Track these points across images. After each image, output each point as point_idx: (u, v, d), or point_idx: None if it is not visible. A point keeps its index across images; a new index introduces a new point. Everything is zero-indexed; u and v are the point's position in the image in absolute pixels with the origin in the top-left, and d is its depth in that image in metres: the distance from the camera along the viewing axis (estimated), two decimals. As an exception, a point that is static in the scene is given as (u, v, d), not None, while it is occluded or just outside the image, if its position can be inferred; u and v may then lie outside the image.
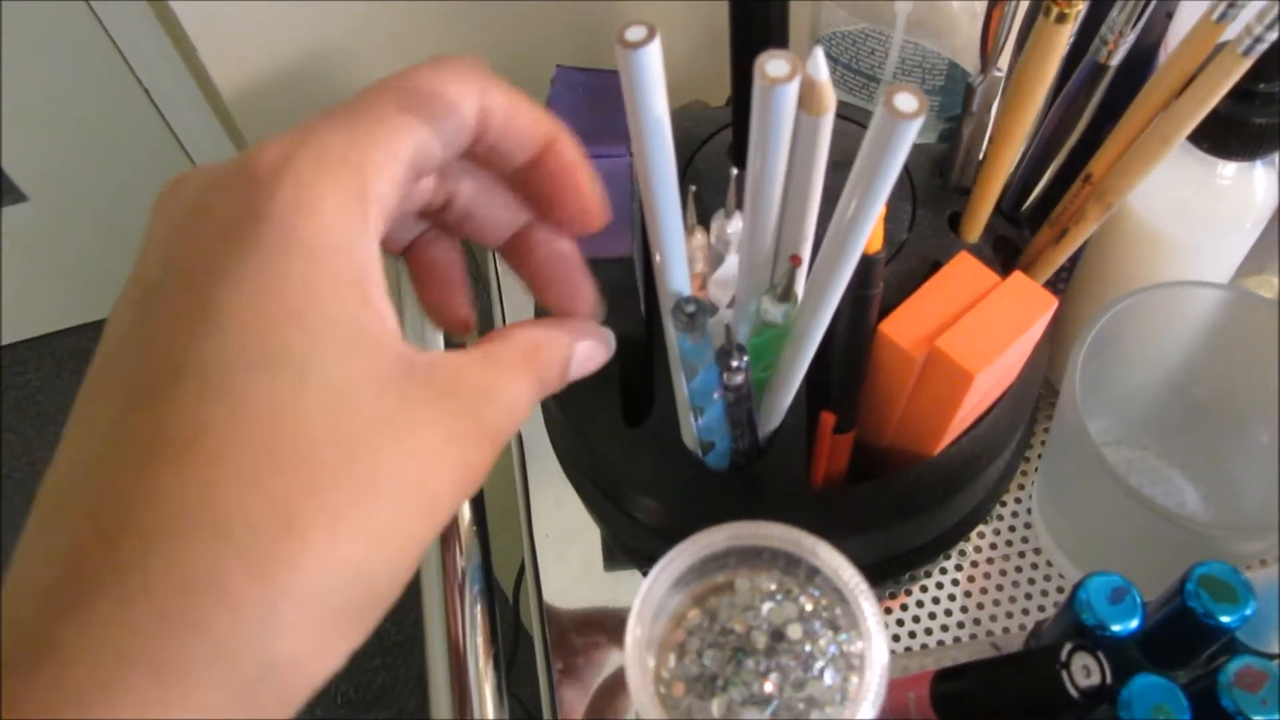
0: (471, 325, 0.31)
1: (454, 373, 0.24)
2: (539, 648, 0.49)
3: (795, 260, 0.30)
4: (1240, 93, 0.38)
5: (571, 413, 0.45)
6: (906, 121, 0.22)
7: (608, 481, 0.46)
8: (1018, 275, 0.38)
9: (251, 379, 0.20)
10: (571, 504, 0.50)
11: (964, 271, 0.38)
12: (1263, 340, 0.43)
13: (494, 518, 0.51)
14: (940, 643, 0.48)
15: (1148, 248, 0.44)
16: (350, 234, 0.22)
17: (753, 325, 0.34)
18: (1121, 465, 0.51)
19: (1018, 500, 0.51)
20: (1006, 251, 0.46)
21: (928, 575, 0.49)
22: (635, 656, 0.26)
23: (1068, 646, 0.34)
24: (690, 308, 0.30)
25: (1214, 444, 0.48)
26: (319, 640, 0.20)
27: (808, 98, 0.24)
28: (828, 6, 0.53)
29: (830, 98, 0.25)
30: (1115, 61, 0.39)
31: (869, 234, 0.28)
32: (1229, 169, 0.41)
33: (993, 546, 0.50)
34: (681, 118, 0.49)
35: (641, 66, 0.23)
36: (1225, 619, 0.34)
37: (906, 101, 0.22)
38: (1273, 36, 0.33)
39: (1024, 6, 0.41)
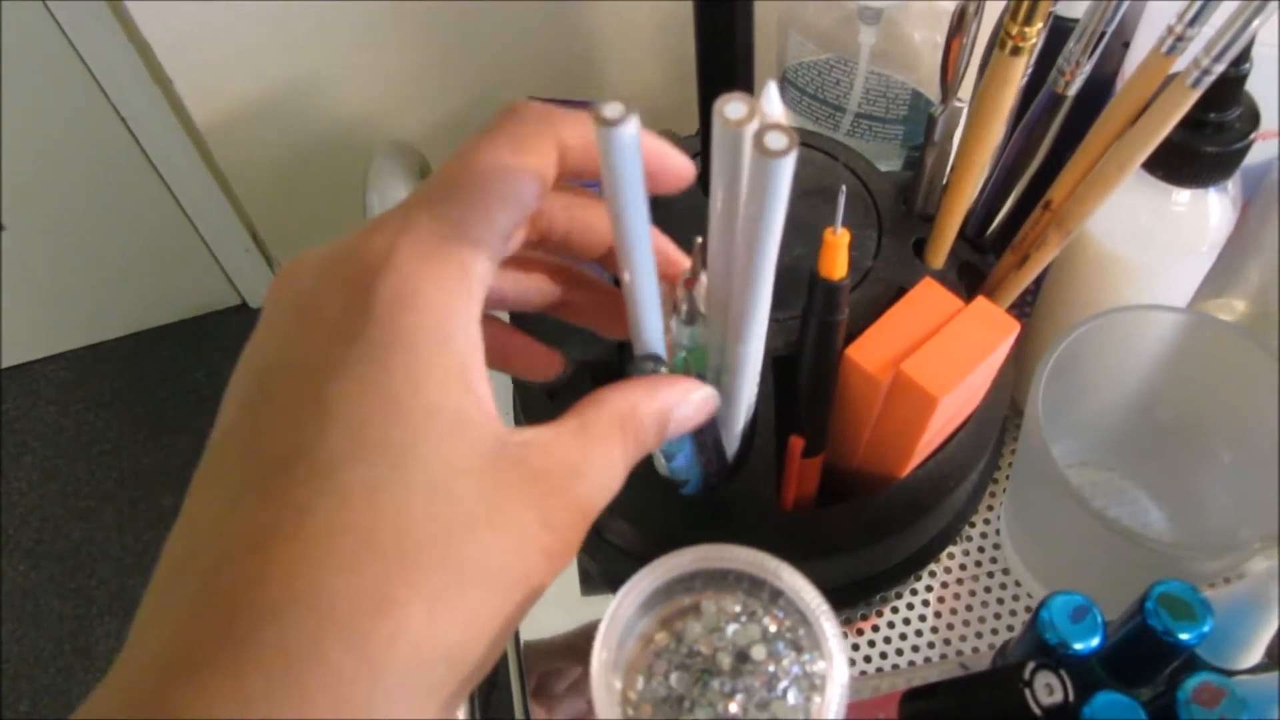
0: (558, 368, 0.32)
1: (546, 451, 0.25)
2: (514, 674, 0.49)
3: (689, 283, 0.30)
4: (1192, 122, 0.39)
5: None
6: (777, 159, 0.23)
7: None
8: (981, 300, 0.38)
9: (355, 470, 0.22)
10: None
11: (928, 297, 0.39)
12: (1222, 362, 0.44)
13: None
14: (911, 663, 0.48)
15: (1107, 273, 0.45)
16: (451, 324, 0.23)
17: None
18: (1087, 486, 0.51)
19: (986, 521, 0.51)
20: (971, 277, 0.47)
21: (898, 596, 0.49)
22: (601, 679, 0.26)
23: (1031, 665, 0.34)
24: (651, 365, 0.30)
25: (1178, 465, 0.49)
26: (411, 715, 0.21)
27: (763, 142, 0.25)
28: (794, 38, 0.54)
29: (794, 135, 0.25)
30: (1073, 91, 0.40)
31: (771, 271, 0.28)
32: (1183, 196, 0.42)
33: (962, 567, 0.50)
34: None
35: (620, 144, 0.23)
36: (1184, 636, 0.34)
37: (776, 140, 0.22)
38: (1219, 69, 0.34)
39: (983, 38, 0.42)
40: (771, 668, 0.28)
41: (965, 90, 0.43)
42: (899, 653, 0.48)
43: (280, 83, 0.57)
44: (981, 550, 0.51)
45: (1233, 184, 0.42)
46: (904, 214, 0.47)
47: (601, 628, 0.26)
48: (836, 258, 0.33)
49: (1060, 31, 0.42)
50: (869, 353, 0.38)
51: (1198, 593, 0.35)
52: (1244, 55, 0.37)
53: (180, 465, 1.58)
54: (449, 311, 0.23)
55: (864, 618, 0.49)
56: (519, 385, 0.49)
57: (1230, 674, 0.37)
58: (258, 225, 0.67)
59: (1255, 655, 0.37)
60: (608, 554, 0.45)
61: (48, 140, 1.42)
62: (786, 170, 0.23)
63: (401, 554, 0.21)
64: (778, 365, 0.40)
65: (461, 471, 0.23)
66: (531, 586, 0.24)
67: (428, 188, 0.25)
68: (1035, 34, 0.35)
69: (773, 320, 0.40)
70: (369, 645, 0.21)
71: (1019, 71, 0.36)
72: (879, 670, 0.48)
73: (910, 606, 0.49)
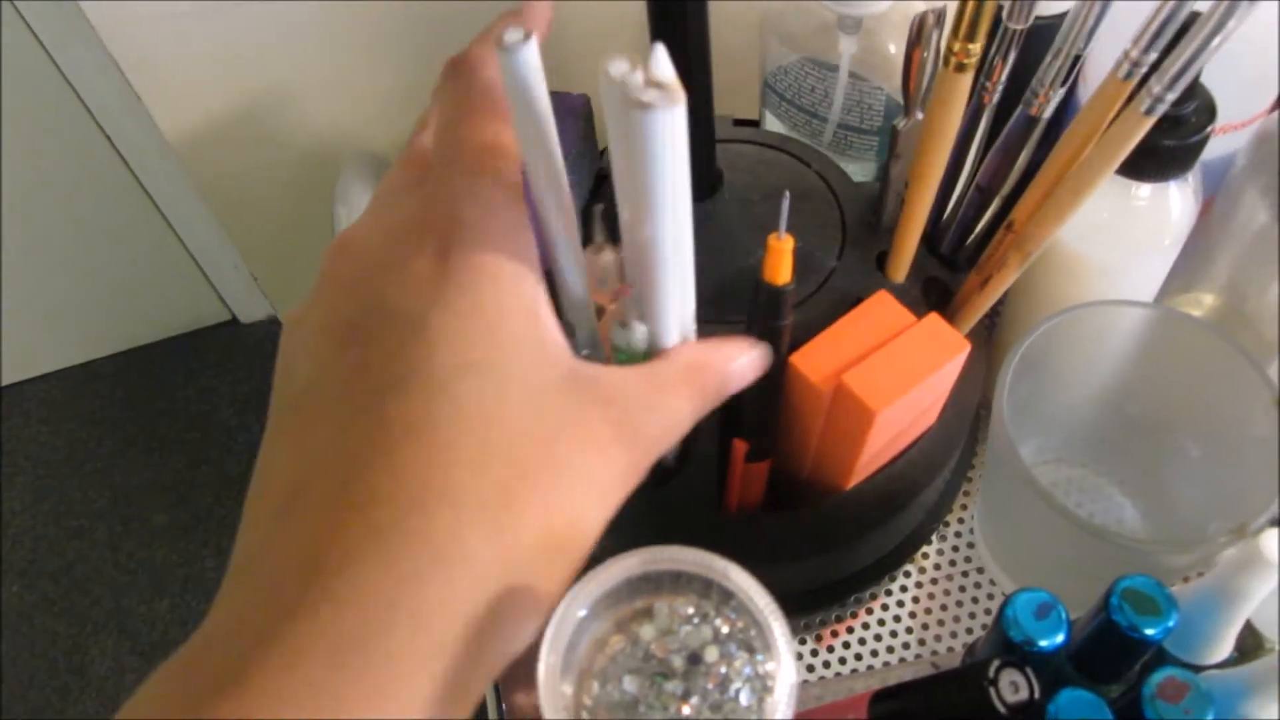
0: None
1: (618, 385, 0.28)
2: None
3: (624, 290, 0.31)
4: (1151, 116, 0.39)
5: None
6: (648, 112, 0.23)
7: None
8: (933, 317, 0.38)
9: (465, 383, 0.24)
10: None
11: (881, 310, 0.38)
12: (1189, 357, 0.44)
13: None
14: (886, 663, 0.48)
15: (1072, 270, 0.45)
16: (522, 263, 0.27)
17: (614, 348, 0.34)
18: (1061, 483, 0.51)
19: (960, 520, 0.51)
20: (938, 293, 0.46)
21: (873, 597, 0.49)
22: (548, 684, 0.26)
23: (995, 663, 0.34)
24: (587, 354, 0.30)
25: (1148, 460, 0.49)
26: (532, 600, 0.24)
27: (649, 94, 0.25)
28: (774, 44, 0.54)
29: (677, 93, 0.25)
30: (1046, 114, 0.40)
31: (669, 237, 0.28)
32: (1144, 190, 0.42)
33: (936, 566, 0.50)
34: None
35: (521, 67, 0.24)
36: (1149, 631, 0.34)
37: (650, 94, 0.23)
38: (1172, 98, 0.34)
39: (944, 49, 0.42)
40: (724, 669, 0.28)
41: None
42: (874, 654, 0.48)
43: (249, 96, 0.57)
44: (956, 549, 0.50)
45: (1193, 177, 0.42)
46: (871, 225, 0.46)
47: (549, 632, 0.26)
48: (780, 263, 0.33)
49: (1039, 38, 0.42)
50: (814, 361, 0.37)
51: (1162, 588, 0.35)
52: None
53: (173, 482, 1.58)
54: (518, 253, 0.27)
55: (839, 619, 0.49)
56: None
57: (1198, 669, 0.37)
58: (232, 239, 0.66)
59: (1224, 650, 0.37)
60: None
61: (34, 160, 1.42)
62: (661, 125, 0.23)
63: (514, 456, 0.24)
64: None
65: (548, 389, 0.26)
66: (610, 498, 0.26)
67: (450, 158, 0.28)
68: (980, 50, 0.34)
69: (731, 324, 0.40)
70: (503, 534, 0.23)
71: (965, 87, 0.35)
72: (854, 671, 0.48)
73: (885, 607, 0.49)
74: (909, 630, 0.49)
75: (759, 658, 0.28)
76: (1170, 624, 0.34)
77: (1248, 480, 0.41)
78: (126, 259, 1.59)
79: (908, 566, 0.50)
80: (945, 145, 0.38)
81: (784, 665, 0.27)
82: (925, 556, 0.50)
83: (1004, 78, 0.40)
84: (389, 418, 0.24)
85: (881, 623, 0.49)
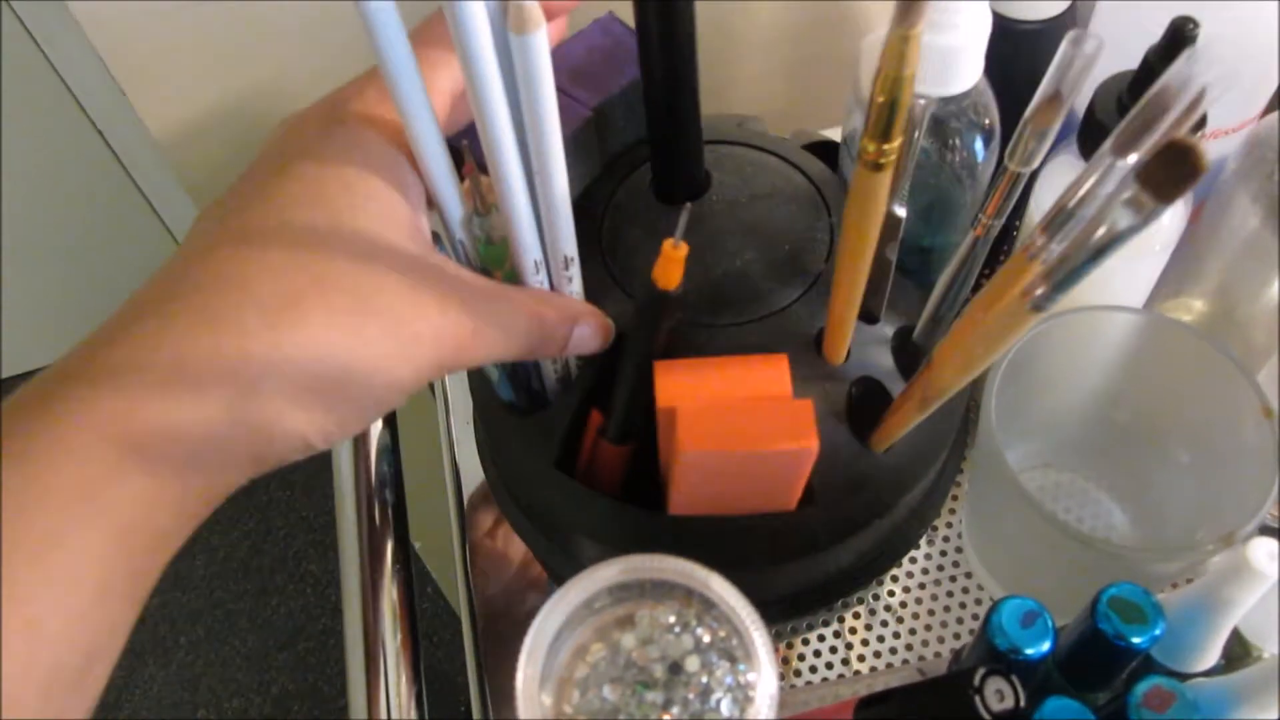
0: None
1: (461, 274, 0.31)
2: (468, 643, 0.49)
3: (468, 169, 0.32)
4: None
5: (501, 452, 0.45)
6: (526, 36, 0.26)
7: (541, 519, 0.46)
8: (799, 403, 0.36)
9: (299, 212, 0.28)
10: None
11: (769, 368, 0.37)
12: (1178, 363, 0.44)
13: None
14: (873, 669, 0.48)
15: (1062, 273, 0.44)
16: (397, 151, 0.30)
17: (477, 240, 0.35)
18: (1049, 488, 0.51)
19: (949, 525, 0.51)
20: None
21: (860, 602, 0.49)
22: (526, 694, 0.26)
23: (981, 672, 0.34)
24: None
25: (1139, 466, 0.49)
26: (300, 398, 0.27)
27: (515, 18, 0.26)
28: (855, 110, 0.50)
29: (536, 15, 0.26)
30: (991, 236, 0.38)
31: (556, 150, 0.31)
32: (1134, 195, 0.41)
33: (924, 571, 0.50)
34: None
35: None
36: (1136, 640, 0.34)
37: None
38: (1058, 298, 0.29)
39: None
40: (705, 679, 0.28)
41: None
42: (861, 659, 0.48)
43: (235, 94, 0.57)
44: (944, 554, 0.50)
45: (1183, 182, 0.42)
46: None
47: (526, 642, 0.26)
48: (671, 270, 0.33)
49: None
50: (675, 376, 0.37)
51: (1149, 595, 0.35)
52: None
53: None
54: (396, 140, 0.30)
55: (825, 624, 0.49)
56: (478, 400, 0.49)
57: (1185, 677, 0.37)
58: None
59: (1211, 658, 0.37)
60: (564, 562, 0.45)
61: (29, 155, 1.42)
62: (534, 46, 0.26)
63: (321, 275, 0.27)
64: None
65: (389, 245, 0.29)
66: (417, 353, 0.29)
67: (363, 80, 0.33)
68: (898, 149, 0.32)
69: (706, 326, 0.40)
70: (278, 326, 0.26)
71: (884, 186, 0.33)
72: (840, 676, 0.48)
73: (873, 612, 0.49)
74: (896, 635, 0.48)
75: (741, 667, 0.28)
76: (1157, 633, 0.34)
77: (1236, 488, 0.41)
78: (120, 255, 1.59)
79: (895, 571, 0.50)
80: (866, 244, 0.36)
81: (765, 675, 0.27)
82: (913, 561, 0.50)
83: (1002, 218, 0.37)
84: (223, 226, 0.28)
85: (869, 627, 0.49)
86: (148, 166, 1.44)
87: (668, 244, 0.33)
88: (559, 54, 0.47)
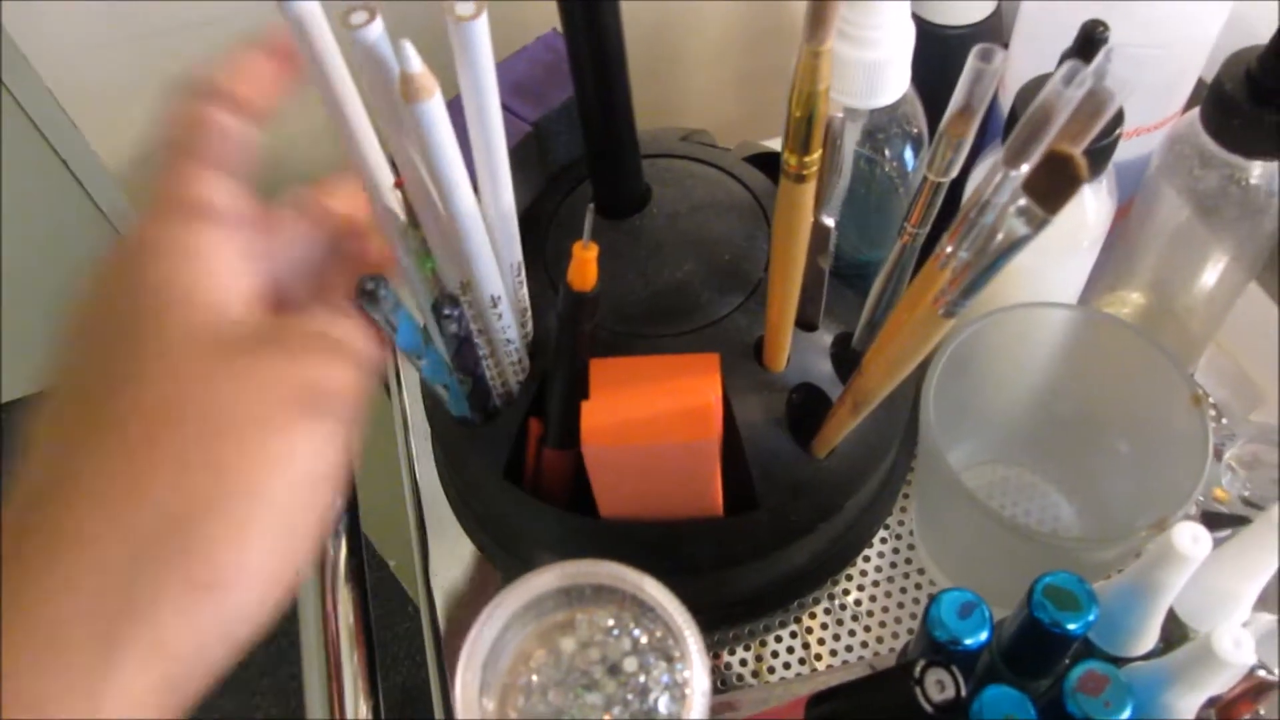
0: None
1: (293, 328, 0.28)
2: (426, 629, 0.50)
3: (398, 183, 0.33)
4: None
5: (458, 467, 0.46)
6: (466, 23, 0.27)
7: (495, 530, 0.47)
8: (705, 398, 0.37)
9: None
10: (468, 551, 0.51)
11: (700, 367, 0.38)
12: (1111, 355, 0.45)
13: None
14: (830, 667, 0.49)
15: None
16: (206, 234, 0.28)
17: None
18: (998, 484, 0.52)
19: (901, 523, 0.52)
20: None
21: (815, 602, 0.50)
22: (465, 700, 0.27)
23: (921, 663, 0.35)
24: (370, 285, 0.31)
25: (1081, 459, 0.50)
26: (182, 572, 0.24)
27: (405, 88, 0.27)
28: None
29: (429, 86, 0.27)
30: (918, 244, 0.39)
31: (499, 139, 0.31)
32: (1059, 195, 0.43)
33: (878, 570, 0.51)
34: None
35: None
36: (1071, 626, 0.35)
37: (464, 8, 0.26)
38: (966, 304, 0.32)
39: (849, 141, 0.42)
40: (643, 678, 0.28)
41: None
42: (818, 658, 0.49)
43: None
44: (897, 551, 0.51)
45: (1106, 179, 0.43)
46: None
47: (464, 650, 0.27)
48: (585, 270, 0.34)
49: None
50: (608, 371, 0.38)
51: (1083, 583, 0.36)
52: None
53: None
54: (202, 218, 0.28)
55: (782, 624, 0.49)
56: (431, 416, 0.49)
57: (1125, 661, 0.38)
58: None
59: (1149, 642, 0.38)
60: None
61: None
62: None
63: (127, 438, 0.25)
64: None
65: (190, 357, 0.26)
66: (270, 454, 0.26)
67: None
68: (818, 161, 0.33)
69: (647, 336, 0.41)
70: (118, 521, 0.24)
71: (808, 196, 0.34)
72: (798, 675, 0.48)
73: (828, 611, 0.50)
74: (852, 633, 0.49)
75: (678, 666, 0.29)
76: (1091, 618, 0.35)
77: (1171, 475, 0.42)
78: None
79: (851, 570, 0.51)
80: (795, 253, 0.37)
81: (697, 672, 0.27)
82: (867, 560, 0.51)
83: (926, 226, 0.38)
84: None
85: (825, 626, 0.49)
86: (110, 194, 1.43)
87: (577, 246, 0.34)
88: (502, 70, 0.48)
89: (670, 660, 0.29)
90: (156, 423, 0.25)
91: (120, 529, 0.24)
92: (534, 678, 0.29)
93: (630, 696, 0.28)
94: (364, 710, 0.44)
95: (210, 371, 0.26)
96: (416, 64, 0.27)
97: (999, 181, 0.30)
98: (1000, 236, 0.26)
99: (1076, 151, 0.23)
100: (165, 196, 0.28)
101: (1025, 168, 0.28)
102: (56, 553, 0.23)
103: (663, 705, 0.28)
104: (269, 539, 0.25)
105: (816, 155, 0.33)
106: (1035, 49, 0.47)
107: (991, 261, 0.27)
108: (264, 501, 0.25)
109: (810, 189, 0.34)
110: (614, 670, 0.29)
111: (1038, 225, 0.25)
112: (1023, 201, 0.25)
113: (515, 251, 0.37)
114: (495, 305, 0.37)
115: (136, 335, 0.26)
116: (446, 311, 0.36)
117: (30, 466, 0.25)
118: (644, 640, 0.29)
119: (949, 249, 0.32)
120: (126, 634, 0.23)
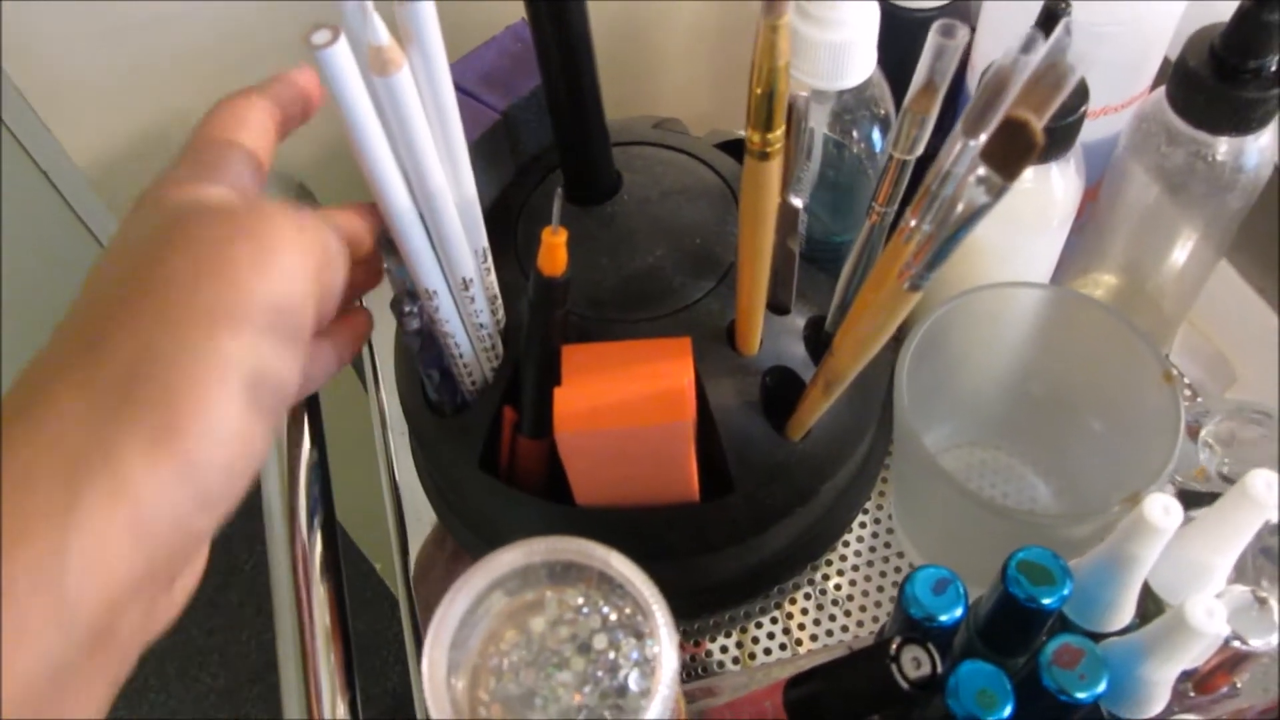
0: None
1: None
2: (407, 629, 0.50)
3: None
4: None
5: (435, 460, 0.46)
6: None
7: (471, 520, 0.47)
8: (677, 381, 0.37)
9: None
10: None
11: (673, 350, 0.38)
12: (1084, 335, 0.45)
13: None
14: (811, 650, 0.49)
15: (963, 254, 0.45)
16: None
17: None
18: (975, 465, 0.52)
19: (879, 506, 0.52)
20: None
21: (796, 587, 0.50)
22: (433, 680, 0.26)
23: (897, 641, 0.35)
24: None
25: (1056, 438, 0.50)
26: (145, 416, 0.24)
27: (375, 61, 0.27)
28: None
29: (396, 59, 0.27)
30: (886, 223, 0.39)
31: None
32: (1026, 173, 0.43)
33: (858, 554, 0.51)
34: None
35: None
36: (1045, 601, 0.35)
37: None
38: (930, 277, 0.32)
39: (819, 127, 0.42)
40: (613, 655, 0.28)
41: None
42: (799, 642, 0.49)
43: (156, 122, 0.57)
44: (876, 535, 0.51)
45: (1074, 157, 0.44)
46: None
47: (430, 630, 0.27)
48: (554, 255, 0.34)
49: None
50: (580, 357, 0.38)
51: (1057, 558, 0.36)
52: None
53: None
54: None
55: (763, 610, 0.49)
56: (406, 408, 0.49)
57: (1101, 636, 0.38)
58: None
59: (1125, 616, 0.38)
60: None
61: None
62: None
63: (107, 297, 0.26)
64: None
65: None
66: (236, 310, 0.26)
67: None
68: (780, 138, 0.33)
69: (619, 322, 0.41)
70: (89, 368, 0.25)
71: (773, 175, 0.34)
72: (779, 661, 0.48)
73: (808, 596, 0.50)
74: (833, 618, 0.49)
75: (649, 643, 0.29)
76: (1065, 592, 0.35)
77: (1144, 451, 0.42)
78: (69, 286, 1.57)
79: (832, 555, 0.51)
80: (763, 232, 0.37)
81: (666, 648, 0.27)
82: (847, 545, 0.51)
83: (894, 205, 0.38)
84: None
85: (805, 612, 0.49)
86: (86, 198, 1.43)
87: (546, 231, 0.34)
88: (471, 59, 0.48)
89: (640, 636, 0.29)
90: (128, 284, 0.26)
91: (78, 381, 0.24)
92: (505, 660, 0.29)
93: (600, 674, 0.28)
94: (341, 709, 0.44)
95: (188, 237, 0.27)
96: (384, 36, 0.27)
97: (959, 152, 0.30)
98: (961, 206, 0.26)
99: (1032, 116, 0.23)
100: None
101: (984, 137, 0.28)
102: (22, 407, 0.24)
103: (633, 681, 0.28)
104: (229, 390, 0.25)
105: (780, 132, 0.33)
106: (1002, 31, 0.47)
107: (953, 232, 0.27)
108: (222, 355, 0.25)
109: (775, 167, 0.34)
110: (584, 648, 0.28)
111: (997, 193, 0.25)
112: (982, 170, 0.25)
113: (481, 237, 0.37)
114: (467, 288, 0.37)
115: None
116: (406, 308, 0.36)
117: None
118: (613, 617, 0.29)
119: (912, 222, 0.32)
120: (86, 475, 0.23)
